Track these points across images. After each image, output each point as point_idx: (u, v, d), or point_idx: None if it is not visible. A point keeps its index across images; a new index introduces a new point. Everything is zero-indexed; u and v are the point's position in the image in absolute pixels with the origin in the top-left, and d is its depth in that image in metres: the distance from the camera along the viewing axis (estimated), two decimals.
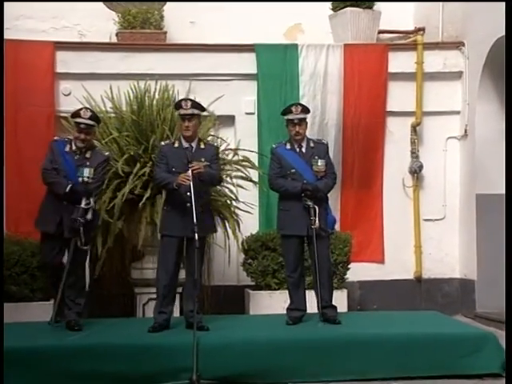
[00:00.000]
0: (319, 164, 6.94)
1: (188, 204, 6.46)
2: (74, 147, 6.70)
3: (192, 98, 8.14)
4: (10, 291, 7.62)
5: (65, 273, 6.54)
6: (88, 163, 6.69)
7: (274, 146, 7.18)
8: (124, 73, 8.81)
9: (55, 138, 6.95)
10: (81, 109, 6.82)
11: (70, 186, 6.52)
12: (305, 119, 7.02)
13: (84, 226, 6.48)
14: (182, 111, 6.69)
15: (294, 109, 6.99)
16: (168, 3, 9.57)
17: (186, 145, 6.72)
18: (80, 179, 6.61)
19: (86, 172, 6.64)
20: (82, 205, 6.48)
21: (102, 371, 6.06)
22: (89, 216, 6.50)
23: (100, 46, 9.19)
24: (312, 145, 7.05)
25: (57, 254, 6.68)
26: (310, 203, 6.78)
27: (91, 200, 6.55)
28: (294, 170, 6.94)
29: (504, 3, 7.15)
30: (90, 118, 6.70)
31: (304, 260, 7.07)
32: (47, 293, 7.27)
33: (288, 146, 7.03)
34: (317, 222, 6.76)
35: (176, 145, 6.78)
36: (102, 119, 8.00)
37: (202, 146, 6.78)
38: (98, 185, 6.81)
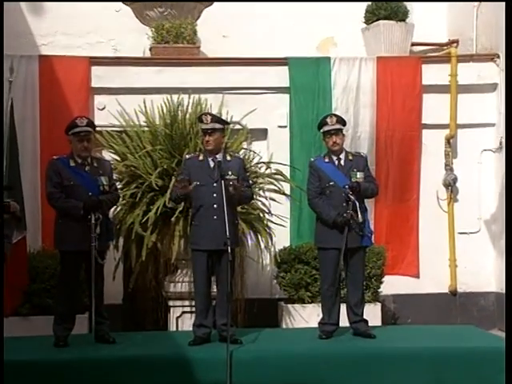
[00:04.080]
0: (358, 176, 6.87)
1: (215, 217, 6.49)
2: (79, 161, 6.66)
3: (225, 111, 8.22)
4: (46, 304, 7.70)
5: (92, 288, 6.55)
6: (101, 171, 6.72)
7: (311, 159, 7.14)
8: (157, 87, 8.88)
9: (54, 157, 6.77)
10: (75, 118, 6.75)
11: (82, 206, 6.48)
12: (341, 130, 6.97)
13: (98, 240, 6.51)
14: (203, 126, 6.69)
15: (329, 120, 6.96)
16: (201, 18, 9.66)
17: (211, 158, 6.71)
18: (101, 188, 6.65)
19: (104, 180, 6.67)
20: (92, 221, 6.48)
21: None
22: (97, 230, 6.51)
23: (134, 60, 9.28)
24: (350, 157, 6.99)
25: (79, 271, 6.71)
26: (352, 197, 6.70)
27: (100, 215, 6.53)
28: (332, 183, 6.87)
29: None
30: (87, 125, 6.67)
31: (341, 273, 7.02)
32: (83, 306, 7.31)
33: (326, 159, 6.98)
34: (359, 216, 6.67)
35: (201, 158, 6.76)
36: (135, 133, 8.12)
37: (229, 158, 6.76)
38: (117, 193, 6.95)
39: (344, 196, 6.76)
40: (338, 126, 6.92)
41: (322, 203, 6.88)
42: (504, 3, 7.09)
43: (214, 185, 6.54)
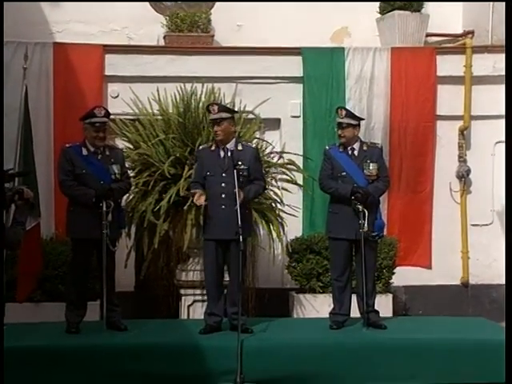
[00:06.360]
0: (371, 168, 6.87)
1: (223, 207, 6.49)
2: (91, 149, 6.69)
3: (238, 100, 8.23)
4: (58, 290, 7.74)
5: (104, 276, 6.57)
6: (113, 160, 6.73)
7: (326, 147, 7.16)
8: (171, 75, 8.88)
9: (66, 145, 6.80)
10: (93, 108, 6.77)
11: (94, 193, 6.51)
12: (351, 124, 6.95)
13: (110, 228, 6.53)
14: (211, 116, 6.68)
15: (339, 112, 7.00)
16: (215, 7, 9.65)
17: (221, 147, 6.68)
18: (113, 177, 6.67)
19: (116, 169, 6.69)
20: (104, 208, 6.50)
21: (147, 371, 6.13)
22: (109, 218, 6.53)
23: (148, 49, 9.29)
24: (365, 148, 6.99)
25: (90, 259, 6.73)
26: (359, 207, 6.73)
27: (111, 203, 6.55)
28: (344, 173, 6.88)
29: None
30: (104, 116, 6.70)
31: (352, 264, 7.01)
32: (94, 293, 7.34)
33: (341, 149, 6.99)
34: (366, 226, 6.70)
35: (212, 148, 6.75)
36: (148, 121, 8.13)
37: (240, 148, 6.74)
38: (128, 181, 6.97)
39: (353, 206, 6.75)
40: (346, 120, 6.92)
41: (336, 182, 6.88)
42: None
43: (223, 175, 6.54)
